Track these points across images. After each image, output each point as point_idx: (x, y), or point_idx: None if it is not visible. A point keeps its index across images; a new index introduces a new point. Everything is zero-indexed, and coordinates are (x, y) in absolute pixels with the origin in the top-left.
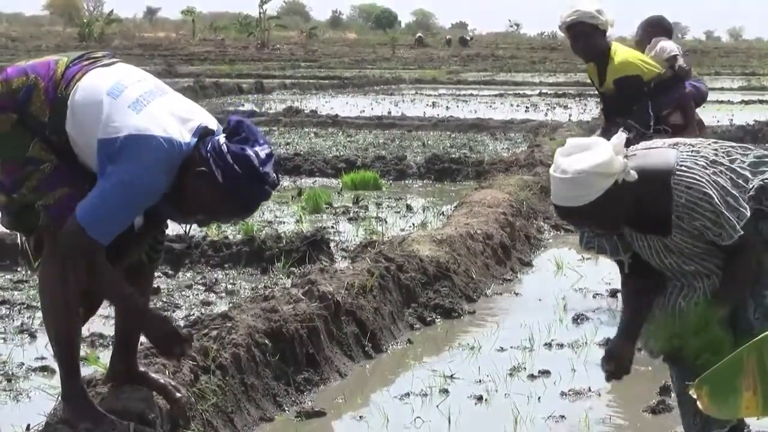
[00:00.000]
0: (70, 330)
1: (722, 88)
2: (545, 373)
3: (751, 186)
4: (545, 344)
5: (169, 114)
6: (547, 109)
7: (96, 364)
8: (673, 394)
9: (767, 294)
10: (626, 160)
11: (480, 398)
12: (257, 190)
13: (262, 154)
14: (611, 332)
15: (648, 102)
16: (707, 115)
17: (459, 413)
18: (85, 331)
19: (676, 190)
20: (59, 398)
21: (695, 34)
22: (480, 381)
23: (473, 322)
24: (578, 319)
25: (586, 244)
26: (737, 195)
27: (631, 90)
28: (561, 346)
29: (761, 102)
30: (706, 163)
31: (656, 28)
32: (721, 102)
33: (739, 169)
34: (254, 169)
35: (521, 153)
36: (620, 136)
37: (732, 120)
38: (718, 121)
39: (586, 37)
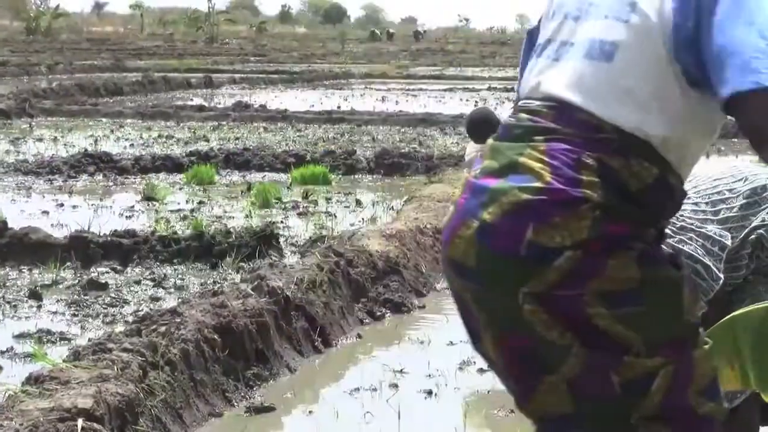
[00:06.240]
0: None
1: None
2: None
3: (735, 247)
4: None
5: None
6: (497, 104)
7: (44, 360)
8: None
9: None
10: None
11: (430, 392)
12: None
13: None
14: None
15: None
16: None
17: (409, 407)
18: (32, 327)
19: None
20: None
21: None
22: (430, 375)
23: (423, 317)
24: None
25: None
26: (709, 264)
27: None
28: None
29: None
30: (673, 230)
31: (485, 129)
32: None
33: (714, 235)
34: None
35: None
36: None
37: None
38: None
39: None
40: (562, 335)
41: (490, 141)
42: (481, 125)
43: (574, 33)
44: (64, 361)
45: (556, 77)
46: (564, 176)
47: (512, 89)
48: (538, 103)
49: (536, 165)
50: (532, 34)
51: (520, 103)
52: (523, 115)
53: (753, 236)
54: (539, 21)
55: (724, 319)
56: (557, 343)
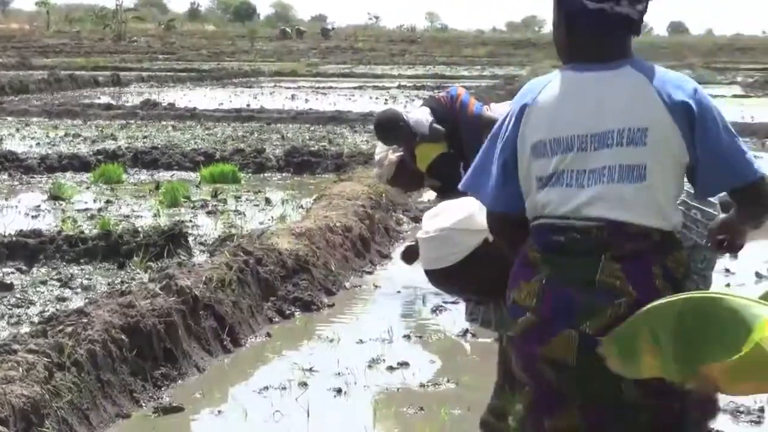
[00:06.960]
0: None
1: None
2: (404, 364)
3: None
4: (404, 336)
5: None
6: (407, 102)
7: None
8: None
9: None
10: None
11: (339, 391)
12: None
13: None
14: (469, 324)
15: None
16: None
17: (318, 406)
18: None
19: None
20: None
21: None
22: (339, 374)
23: (333, 315)
24: (437, 310)
25: (470, 316)
26: None
27: (444, 166)
28: (420, 337)
29: None
30: None
31: (392, 131)
32: None
33: None
34: None
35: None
36: None
37: None
38: None
39: None
40: (646, 395)
41: (535, 255)
42: (389, 127)
43: (588, 162)
44: None
45: (596, 201)
46: (644, 287)
47: (422, 87)
48: (581, 223)
49: (616, 282)
50: (507, 162)
51: (556, 222)
52: (574, 234)
53: None
54: (509, 149)
55: (640, 310)
56: (636, 402)
